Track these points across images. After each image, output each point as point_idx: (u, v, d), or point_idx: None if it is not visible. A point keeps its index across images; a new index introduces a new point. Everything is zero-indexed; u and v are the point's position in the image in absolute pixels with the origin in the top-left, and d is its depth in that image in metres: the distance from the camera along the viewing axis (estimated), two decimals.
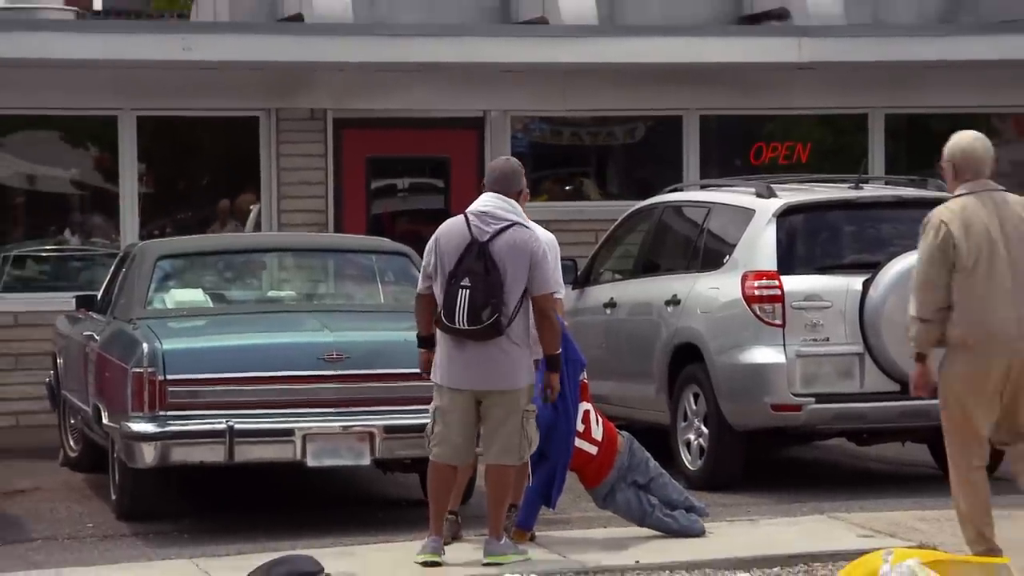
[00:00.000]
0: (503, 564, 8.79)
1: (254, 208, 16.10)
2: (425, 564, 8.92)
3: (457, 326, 8.87)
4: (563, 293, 9.94)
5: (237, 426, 10.18)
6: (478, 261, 8.86)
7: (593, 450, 9.60)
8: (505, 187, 9.09)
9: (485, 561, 8.95)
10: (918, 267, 8.58)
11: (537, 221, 10.06)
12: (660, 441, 11.59)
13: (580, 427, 9.49)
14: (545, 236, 9.74)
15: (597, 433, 9.62)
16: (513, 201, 9.06)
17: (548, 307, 8.93)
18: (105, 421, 10.91)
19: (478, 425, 9.02)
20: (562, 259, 10.03)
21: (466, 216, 9.02)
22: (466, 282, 8.86)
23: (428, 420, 9.19)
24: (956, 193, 8.69)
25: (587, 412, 9.56)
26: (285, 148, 15.92)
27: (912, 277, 8.67)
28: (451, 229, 9.02)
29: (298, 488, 11.84)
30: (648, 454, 9.83)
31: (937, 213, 8.61)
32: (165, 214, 16.10)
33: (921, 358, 8.54)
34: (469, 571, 8.81)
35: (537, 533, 9.59)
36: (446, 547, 9.16)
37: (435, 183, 16.46)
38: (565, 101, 16.50)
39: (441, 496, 9.11)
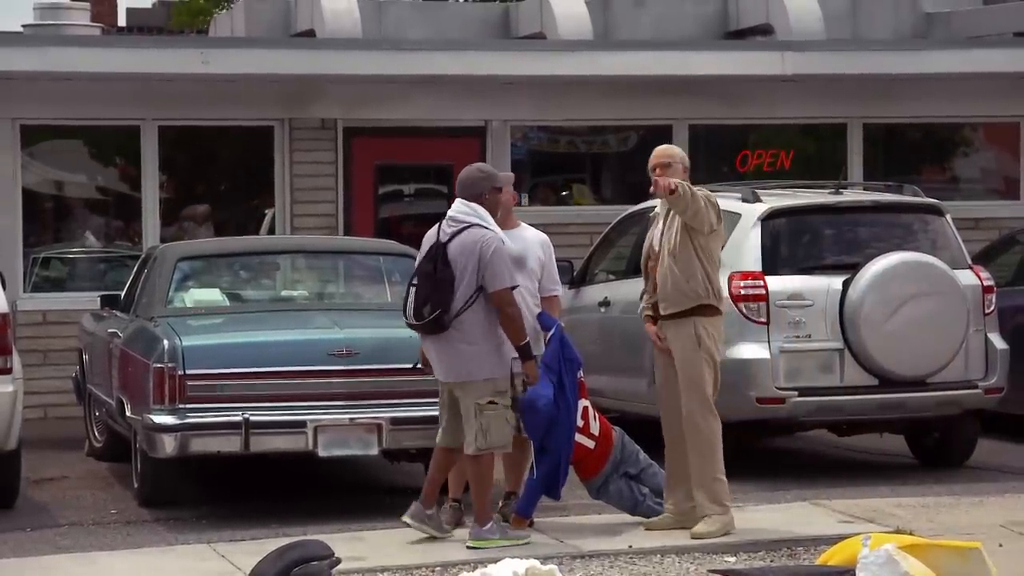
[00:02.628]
0: (485, 548, 8.82)
1: (268, 213, 16.06)
2: (405, 522, 9.17)
3: (407, 321, 9.12)
4: (560, 292, 9.90)
5: (252, 418, 10.14)
6: (430, 262, 9.04)
7: (591, 444, 9.56)
8: (467, 192, 9.18)
9: (468, 544, 8.98)
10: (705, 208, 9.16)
11: (535, 224, 10.04)
12: (652, 432, 11.54)
13: (579, 423, 9.46)
14: (538, 237, 9.70)
15: (594, 428, 9.60)
16: (476, 205, 9.11)
17: (502, 302, 8.93)
18: (128, 413, 10.87)
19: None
20: (558, 260, 10.00)
21: (439, 222, 9.17)
22: (415, 281, 9.10)
23: (434, 412, 9.48)
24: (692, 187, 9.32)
25: (585, 408, 9.53)
26: (298, 156, 15.88)
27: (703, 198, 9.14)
28: (428, 236, 9.23)
29: (309, 477, 11.79)
30: (638, 447, 9.80)
31: (710, 195, 9.29)
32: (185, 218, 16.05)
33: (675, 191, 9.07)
34: (470, 555, 8.76)
35: (536, 519, 9.55)
36: (454, 532, 9.18)
37: (439, 189, 16.41)
38: (562, 111, 16.46)
39: (434, 472, 9.25)
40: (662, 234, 9.32)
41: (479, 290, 8.93)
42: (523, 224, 9.75)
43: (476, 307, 8.94)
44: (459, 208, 9.12)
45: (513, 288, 8.99)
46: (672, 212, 9.29)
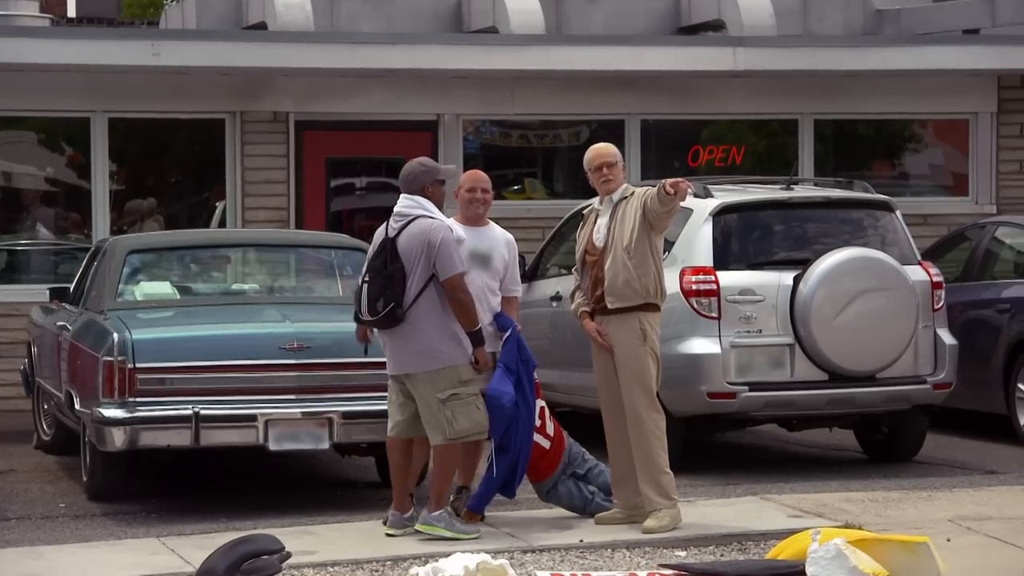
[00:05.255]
0: (433, 537, 8.90)
1: (219, 205, 16.00)
2: (389, 535, 9.15)
3: (363, 318, 9.18)
4: (520, 293, 9.85)
5: (203, 412, 10.09)
6: (380, 257, 9.13)
7: (547, 444, 9.58)
8: (410, 187, 9.24)
9: (416, 527, 9.09)
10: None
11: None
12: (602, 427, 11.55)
13: (537, 422, 9.47)
14: (504, 236, 9.68)
15: (550, 429, 9.61)
16: (419, 197, 9.16)
17: (453, 289, 8.96)
18: (77, 406, 10.81)
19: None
20: None
21: (388, 219, 9.25)
22: (367, 277, 9.18)
23: (385, 406, 9.47)
24: (626, 184, 9.59)
25: (542, 408, 9.55)
26: (249, 149, 15.83)
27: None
28: (377, 233, 9.30)
29: (260, 471, 11.75)
30: (583, 448, 9.82)
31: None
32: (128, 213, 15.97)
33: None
34: (420, 550, 8.75)
35: (487, 514, 9.55)
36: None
37: (391, 182, 16.33)
38: (514, 105, 16.45)
39: (396, 470, 9.24)
40: (609, 230, 9.35)
41: (430, 280, 8.96)
42: (491, 223, 9.74)
43: (428, 297, 8.97)
44: (403, 203, 9.19)
45: (463, 274, 9.01)
46: (623, 209, 9.34)
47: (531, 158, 17.25)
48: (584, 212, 9.91)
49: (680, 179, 9.22)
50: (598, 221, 9.52)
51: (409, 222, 9.08)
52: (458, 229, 9.25)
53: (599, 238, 9.43)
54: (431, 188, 9.19)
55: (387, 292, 9.01)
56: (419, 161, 9.40)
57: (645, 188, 9.48)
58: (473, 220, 9.52)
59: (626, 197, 9.45)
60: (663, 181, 9.25)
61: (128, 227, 15.51)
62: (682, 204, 11.98)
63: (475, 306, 9.04)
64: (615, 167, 9.49)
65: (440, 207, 9.21)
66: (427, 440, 9.19)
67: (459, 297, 8.99)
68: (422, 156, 9.71)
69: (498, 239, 9.60)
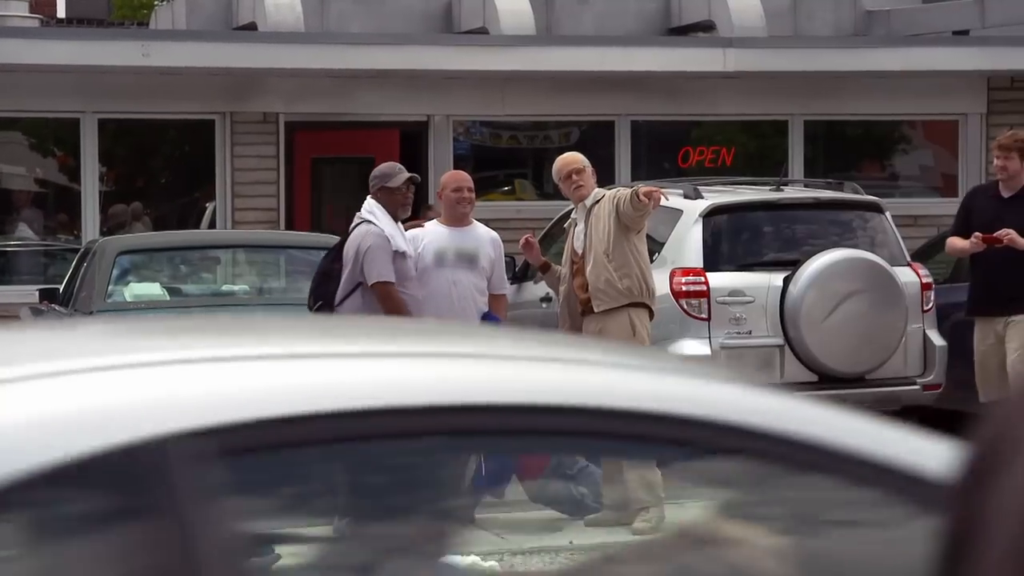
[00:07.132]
0: None
1: (209, 206, 15.98)
2: None
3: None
4: (508, 291, 9.88)
5: None
6: (329, 256, 9.23)
7: None
8: (370, 190, 9.18)
9: None
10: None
11: (476, 219, 10.02)
12: None
13: None
14: (489, 235, 9.67)
15: None
16: (371, 200, 9.08)
17: (379, 298, 8.87)
18: None
19: None
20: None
21: None
22: (316, 274, 9.31)
23: None
24: (596, 189, 9.73)
25: None
26: (239, 150, 15.80)
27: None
28: None
29: None
30: None
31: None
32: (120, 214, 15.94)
33: None
34: None
35: (476, 516, 9.52)
36: None
37: None
38: (504, 106, 16.44)
39: None
40: (586, 235, 9.49)
41: (358, 285, 8.94)
42: (476, 222, 9.72)
43: (354, 301, 8.93)
44: (364, 205, 9.20)
45: (388, 283, 8.90)
46: (595, 213, 9.49)
47: (521, 159, 17.25)
48: (565, 226, 10.05)
49: (654, 188, 9.35)
50: (576, 228, 9.67)
51: (356, 225, 9.10)
52: (434, 233, 9.22)
53: (579, 244, 9.60)
54: (378, 194, 9.13)
55: (320, 291, 9.08)
56: (382, 165, 9.39)
57: (616, 190, 9.63)
58: (458, 220, 9.50)
59: (598, 201, 9.59)
60: (636, 188, 9.40)
61: (113, 231, 15.47)
62: (672, 206, 12.06)
63: (406, 313, 8.91)
64: (584, 173, 9.63)
65: (394, 213, 9.10)
66: None
67: (385, 304, 8.90)
68: (392, 161, 9.70)
69: (483, 238, 9.59)
